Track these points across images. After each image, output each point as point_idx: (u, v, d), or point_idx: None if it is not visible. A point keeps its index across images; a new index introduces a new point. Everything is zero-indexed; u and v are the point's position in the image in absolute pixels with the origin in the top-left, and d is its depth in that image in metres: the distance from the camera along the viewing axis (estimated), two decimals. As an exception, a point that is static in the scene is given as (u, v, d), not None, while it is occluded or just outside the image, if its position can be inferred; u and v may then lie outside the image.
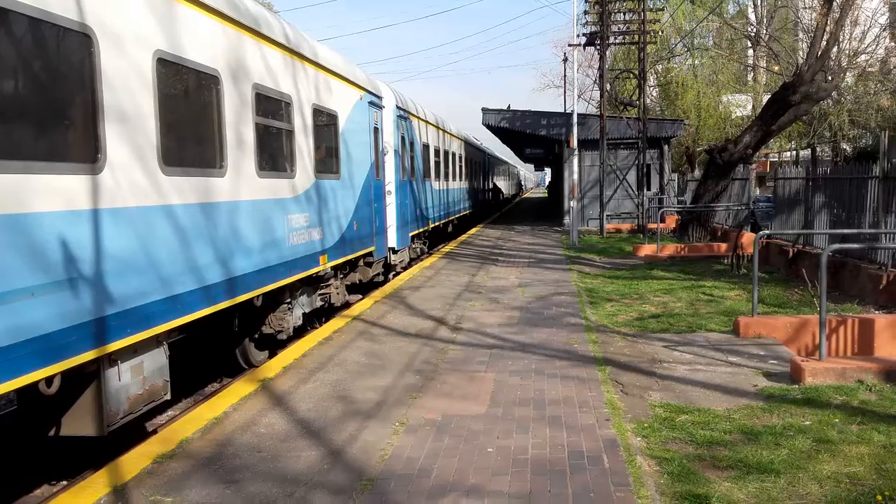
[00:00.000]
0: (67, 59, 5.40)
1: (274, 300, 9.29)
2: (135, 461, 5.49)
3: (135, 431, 7.12)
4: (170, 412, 8.20)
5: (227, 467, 5.38)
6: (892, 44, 35.13)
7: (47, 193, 5.08)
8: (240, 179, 7.97)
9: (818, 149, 39.43)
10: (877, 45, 32.71)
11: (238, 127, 7.96)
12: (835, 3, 17.39)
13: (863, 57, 32.31)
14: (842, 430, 5.99)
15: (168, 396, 6.74)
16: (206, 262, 7.18)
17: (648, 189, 29.68)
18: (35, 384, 5.05)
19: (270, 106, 8.92)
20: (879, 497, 4.73)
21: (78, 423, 5.76)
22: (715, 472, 5.21)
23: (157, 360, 6.52)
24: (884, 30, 32.80)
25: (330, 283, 11.38)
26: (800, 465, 5.30)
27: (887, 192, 12.17)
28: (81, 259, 5.39)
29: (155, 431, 6.86)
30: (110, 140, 5.75)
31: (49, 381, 5.23)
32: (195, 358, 8.91)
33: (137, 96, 6.15)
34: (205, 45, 7.30)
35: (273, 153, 9.05)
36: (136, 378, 6.15)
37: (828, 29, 17.64)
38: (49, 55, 5.21)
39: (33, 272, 4.92)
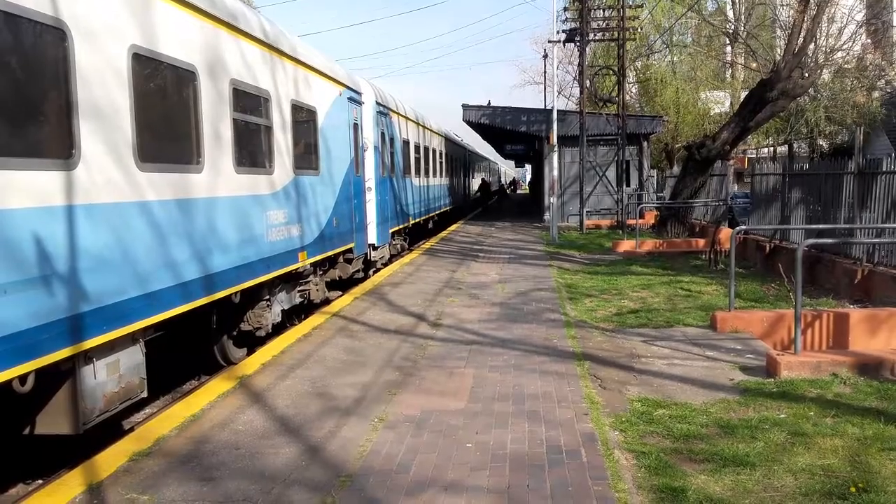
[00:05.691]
0: (41, 54, 5.33)
1: (252, 297, 9.24)
2: (111, 459, 5.45)
3: (111, 429, 7.06)
4: (147, 410, 8.13)
5: (205, 465, 5.35)
6: (868, 41, 35.51)
7: (20, 189, 5.02)
8: (217, 175, 7.92)
9: (795, 145, 39.87)
10: (853, 42, 33.11)
11: (215, 122, 7.91)
12: (812, 1, 17.55)
13: (839, 53, 32.70)
14: (816, 422, 6.05)
15: (145, 394, 6.69)
16: (183, 258, 7.13)
17: (628, 185, 29.87)
18: (8, 382, 5.00)
19: (248, 102, 8.87)
20: (853, 489, 4.78)
21: (53, 421, 5.69)
22: (691, 466, 5.25)
23: (133, 357, 6.46)
24: (860, 27, 33.18)
25: (309, 279, 11.34)
26: (775, 457, 5.35)
27: (862, 188, 12.31)
28: (56, 256, 5.33)
29: (131, 429, 6.80)
30: (85, 136, 5.69)
31: (23, 379, 5.18)
32: (173, 355, 8.84)
33: (112, 91, 6.09)
34: (181, 40, 7.24)
35: (251, 149, 9.00)
36: (111, 376, 6.10)
37: (805, 26, 17.80)
38: (22, 50, 5.13)
39: (6, 269, 4.85)
